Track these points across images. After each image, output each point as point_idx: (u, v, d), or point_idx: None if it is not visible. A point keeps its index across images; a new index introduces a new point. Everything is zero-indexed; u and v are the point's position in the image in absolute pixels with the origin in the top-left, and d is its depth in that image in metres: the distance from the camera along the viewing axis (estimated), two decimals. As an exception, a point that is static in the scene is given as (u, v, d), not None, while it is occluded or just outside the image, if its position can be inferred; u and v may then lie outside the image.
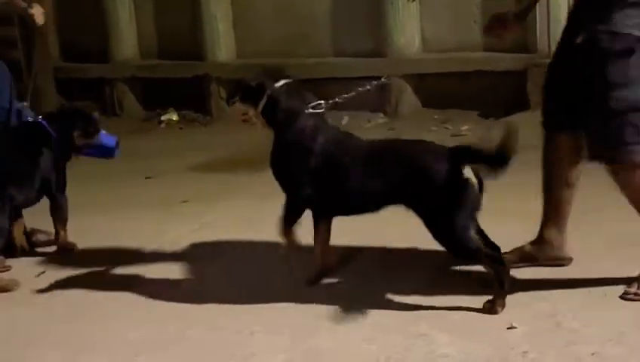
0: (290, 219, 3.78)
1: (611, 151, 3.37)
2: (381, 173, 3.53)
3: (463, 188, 3.37)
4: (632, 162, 3.36)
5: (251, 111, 3.76)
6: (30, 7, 4.49)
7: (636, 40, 3.30)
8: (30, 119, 4.45)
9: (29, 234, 4.57)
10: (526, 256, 3.74)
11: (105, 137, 4.48)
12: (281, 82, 3.74)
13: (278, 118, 3.70)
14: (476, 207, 3.41)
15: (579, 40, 3.44)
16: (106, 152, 4.50)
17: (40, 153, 4.27)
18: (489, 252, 3.43)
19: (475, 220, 3.44)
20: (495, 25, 3.71)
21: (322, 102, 3.75)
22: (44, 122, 4.35)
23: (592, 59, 3.38)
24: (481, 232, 3.50)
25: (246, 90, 3.76)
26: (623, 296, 3.38)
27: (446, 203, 3.38)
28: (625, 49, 3.30)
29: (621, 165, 3.38)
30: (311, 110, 3.70)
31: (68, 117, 4.45)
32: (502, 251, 3.59)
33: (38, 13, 4.51)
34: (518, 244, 3.82)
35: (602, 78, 3.34)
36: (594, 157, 3.48)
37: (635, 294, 3.37)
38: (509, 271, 3.44)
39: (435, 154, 3.47)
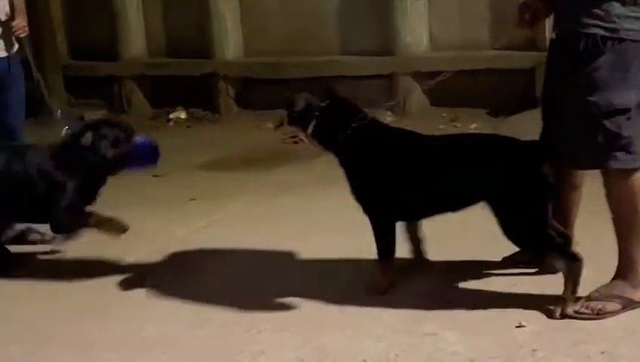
0: (385, 251, 3.67)
1: (589, 154, 3.25)
2: (459, 171, 3.46)
3: (544, 183, 3.36)
4: (612, 168, 3.23)
5: (301, 134, 3.73)
6: (13, 18, 4.46)
7: (602, 40, 3.14)
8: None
9: (24, 233, 4.58)
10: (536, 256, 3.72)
11: (140, 140, 4.12)
12: (327, 101, 3.67)
13: (331, 138, 3.64)
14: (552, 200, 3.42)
15: (553, 35, 3.39)
16: (148, 158, 4.14)
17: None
18: (566, 249, 3.39)
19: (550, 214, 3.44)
20: (525, 13, 3.51)
21: (367, 111, 3.70)
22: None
23: (562, 61, 3.29)
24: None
25: (293, 113, 3.68)
26: (550, 315, 3.31)
27: (529, 198, 3.36)
28: (590, 51, 3.15)
29: (607, 170, 3.26)
30: (361, 122, 3.63)
31: (93, 129, 4.04)
32: (518, 250, 3.62)
33: (19, 27, 4.45)
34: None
35: (572, 81, 3.22)
36: (575, 160, 3.36)
37: (577, 312, 3.27)
38: (581, 269, 3.35)
39: (516, 149, 3.44)
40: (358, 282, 3.80)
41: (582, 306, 3.29)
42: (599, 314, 3.26)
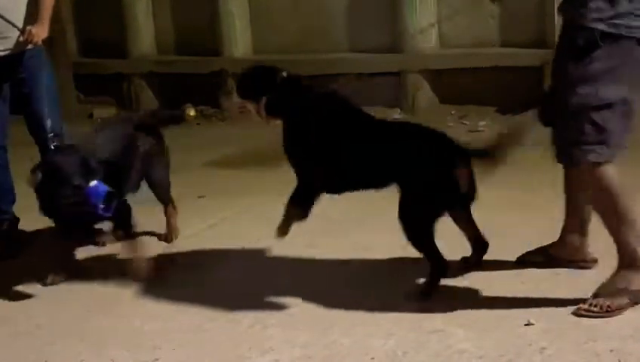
0: (297, 199, 3.88)
1: (569, 150, 3.24)
2: (377, 149, 3.59)
3: (446, 187, 3.47)
4: (590, 162, 3.21)
5: (251, 106, 3.84)
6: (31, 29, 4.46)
7: (601, 34, 3.12)
8: None
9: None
10: (549, 257, 3.72)
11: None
12: (280, 80, 3.79)
13: (281, 110, 3.78)
14: (470, 199, 3.56)
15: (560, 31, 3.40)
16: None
17: None
18: (441, 257, 3.54)
19: (466, 211, 3.62)
20: None
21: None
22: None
23: (562, 52, 3.29)
24: (472, 223, 3.67)
25: (248, 87, 3.85)
26: (576, 312, 3.30)
27: (425, 191, 3.49)
28: (588, 43, 3.14)
29: (580, 165, 3.24)
30: (315, 92, 3.81)
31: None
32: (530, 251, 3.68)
33: (28, 33, 4.46)
34: (516, 234, 3.91)
35: (565, 72, 3.22)
36: (557, 155, 3.35)
37: (586, 310, 3.27)
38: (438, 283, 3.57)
39: (431, 141, 3.56)
40: (366, 279, 3.80)
41: (590, 304, 3.28)
42: (608, 312, 3.25)
